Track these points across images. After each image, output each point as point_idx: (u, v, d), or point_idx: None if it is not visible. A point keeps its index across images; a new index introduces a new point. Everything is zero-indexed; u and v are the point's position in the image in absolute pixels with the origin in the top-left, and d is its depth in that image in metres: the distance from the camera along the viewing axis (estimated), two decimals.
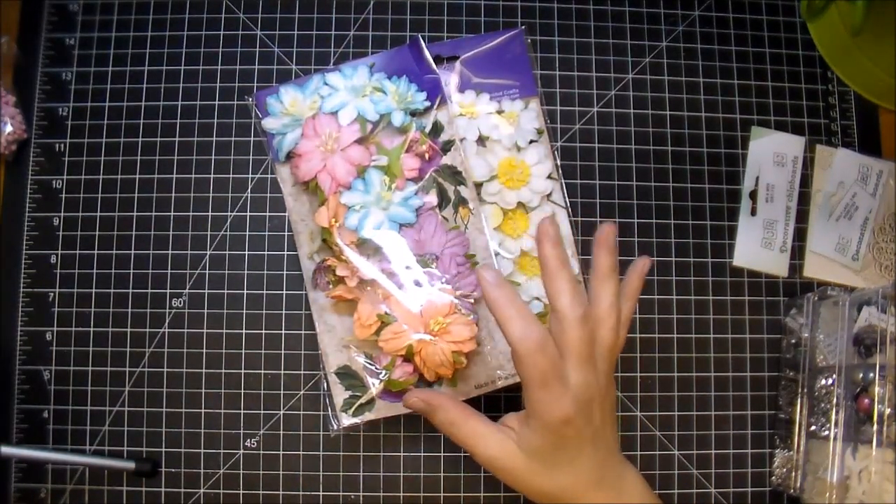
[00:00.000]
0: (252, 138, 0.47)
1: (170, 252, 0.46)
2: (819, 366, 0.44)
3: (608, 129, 0.48)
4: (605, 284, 0.36)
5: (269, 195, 0.47)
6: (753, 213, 0.48)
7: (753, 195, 0.48)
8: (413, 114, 0.43)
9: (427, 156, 0.43)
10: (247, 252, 0.46)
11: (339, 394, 0.42)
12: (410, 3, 0.49)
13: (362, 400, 0.42)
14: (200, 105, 0.47)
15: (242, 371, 0.45)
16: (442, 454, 0.45)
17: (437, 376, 0.41)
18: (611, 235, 0.36)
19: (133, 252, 0.46)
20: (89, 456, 0.44)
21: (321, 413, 0.45)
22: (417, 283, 0.41)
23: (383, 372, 0.41)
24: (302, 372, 0.45)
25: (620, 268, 0.37)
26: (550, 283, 0.34)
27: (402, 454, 0.45)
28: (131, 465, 0.43)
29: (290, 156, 0.43)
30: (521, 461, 0.35)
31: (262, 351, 0.45)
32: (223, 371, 0.45)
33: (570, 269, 0.35)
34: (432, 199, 0.42)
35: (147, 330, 0.45)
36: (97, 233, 0.46)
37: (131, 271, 0.46)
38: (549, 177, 0.45)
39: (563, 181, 0.46)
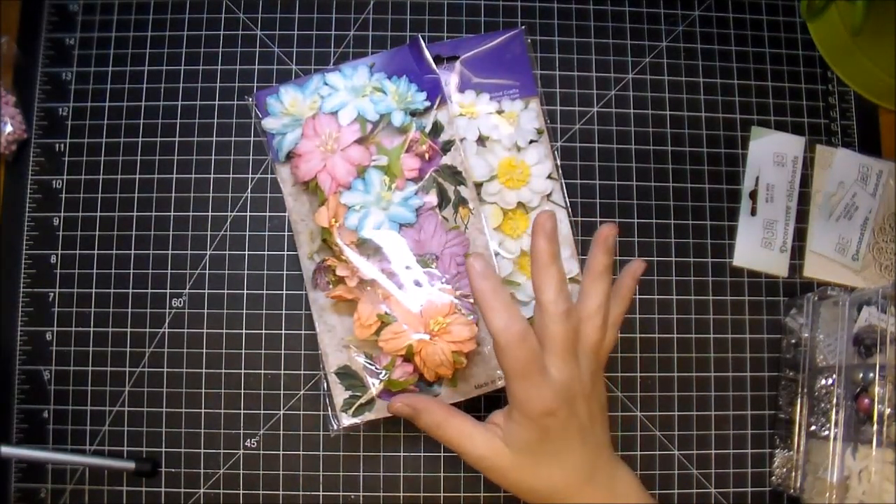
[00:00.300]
0: (252, 138, 0.47)
1: (170, 252, 0.46)
2: (819, 366, 0.44)
3: (608, 129, 0.48)
4: (596, 283, 0.36)
5: (269, 195, 0.47)
6: (753, 213, 0.48)
7: (753, 195, 0.48)
8: (413, 114, 0.43)
9: (427, 156, 0.43)
10: (247, 252, 0.46)
11: (339, 394, 0.42)
12: (410, 3, 0.49)
13: (362, 400, 0.42)
14: (200, 105, 0.47)
15: (242, 371, 0.45)
16: (442, 454, 0.45)
17: (437, 376, 0.41)
18: (610, 236, 0.36)
19: (133, 252, 0.46)
20: (89, 456, 0.44)
21: (321, 413, 0.45)
22: (417, 283, 0.41)
23: (383, 372, 0.41)
24: (302, 372, 0.45)
25: (619, 268, 0.37)
26: (538, 277, 0.35)
27: (402, 454, 0.45)
28: (131, 465, 0.43)
29: (290, 156, 0.43)
30: (508, 458, 0.35)
31: (262, 351, 0.45)
32: (223, 371, 0.45)
33: (560, 266, 0.35)
34: (432, 199, 0.42)
35: (147, 330, 0.45)
36: (97, 233, 0.46)
37: (131, 271, 0.46)
38: (549, 177, 0.45)
39: (563, 181, 0.46)
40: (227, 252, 0.46)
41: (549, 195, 0.45)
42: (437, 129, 0.44)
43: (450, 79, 0.46)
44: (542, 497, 0.35)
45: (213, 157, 0.47)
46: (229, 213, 0.47)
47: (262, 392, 0.45)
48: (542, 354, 0.34)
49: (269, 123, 0.43)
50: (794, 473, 0.44)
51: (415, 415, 0.37)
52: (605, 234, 0.36)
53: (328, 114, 0.42)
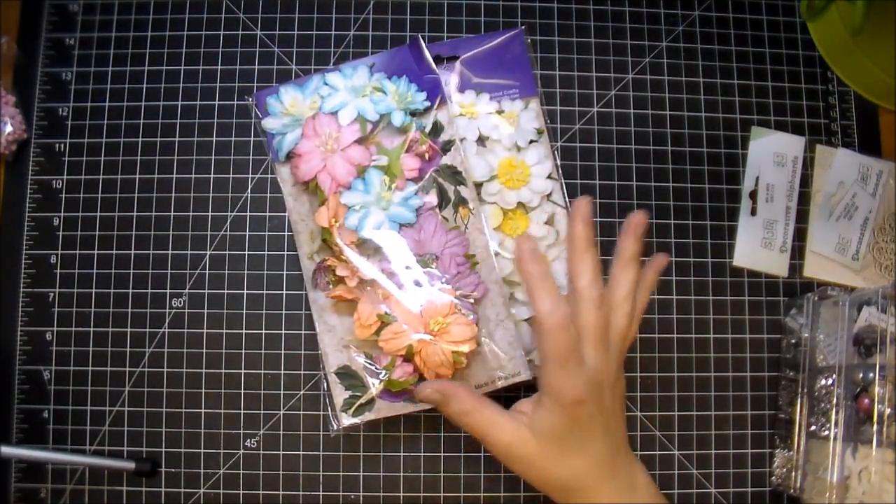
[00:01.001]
0: (252, 138, 0.47)
1: (170, 252, 0.46)
2: (819, 366, 0.44)
3: (608, 129, 0.48)
4: (626, 271, 0.36)
5: (269, 195, 0.47)
6: (753, 213, 0.48)
7: (753, 195, 0.48)
8: (413, 114, 0.43)
9: (427, 156, 0.43)
10: (247, 252, 0.46)
11: (339, 394, 0.42)
12: (410, 3, 0.49)
13: (362, 400, 0.42)
14: (200, 105, 0.47)
15: (242, 371, 0.45)
16: (442, 454, 0.45)
17: (437, 376, 0.41)
18: (641, 224, 0.37)
19: (133, 252, 0.46)
20: (89, 456, 0.44)
21: (321, 413, 0.45)
22: (417, 283, 0.41)
23: (383, 372, 0.41)
24: (302, 372, 0.45)
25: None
26: (574, 262, 0.35)
27: (402, 454, 0.45)
28: (131, 465, 0.43)
29: (290, 156, 0.43)
30: (534, 447, 0.35)
31: (262, 351, 0.45)
32: (223, 371, 0.45)
33: (595, 252, 0.35)
34: (432, 199, 0.42)
35: (147, 330, 0.45)
36: (97, 233, 0.46)
37: (131, 271, 0.46)
38: (549, 177, 0.45)
39: (563, 181, 0.46)
40: (227, 252, 0.46)
41: (549, 195, 0.45)
42: (437, 129, 0.44)
43: (450, 79, 0.46)
44: (564, 488, 0.35)
45: (213, 157, 0.47)
46: (229, 213, 0.47)
47: (262, 392, 0.45)
48: (579, 342, 0.34)
49: (269, 123, 0.43)
50: (794, 473, 0.44)
51: (444, 401, 0.37)
52: (637, 221, 0.36)
53: (328, 114, 0.42)
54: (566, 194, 0.46)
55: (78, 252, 0.46)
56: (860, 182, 0.48)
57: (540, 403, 0.35)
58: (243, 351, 0.45)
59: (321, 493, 0.45)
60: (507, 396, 0.45)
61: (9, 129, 0.45)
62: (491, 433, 0.35)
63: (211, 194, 0.47)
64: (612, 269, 0.37)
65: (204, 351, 0.45)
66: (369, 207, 0.41)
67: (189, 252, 0.46)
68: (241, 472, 0.45)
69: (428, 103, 0.43)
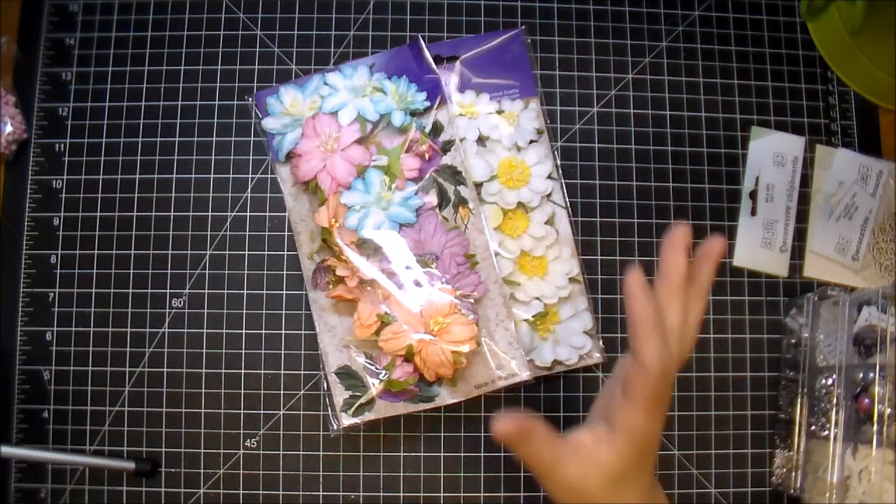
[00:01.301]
0: (252, 138, 0.47)
1: (170, 252, 0.46)
2: (819, 366, 0.44)
3: (608, 129, 0.48)
4: (700, 300, 0.35)
5: (269, 195, 0.47)
6: (753, 213, 0.48)
7: (753, 195, 0.48)
8: (413, 114, 0.43)
9: (427, 156, 0.43)
10: (247, 252, 0.46)
11: (339, 394, 0.42)
12: (410, 3, 0.49)
13: (362, 400, 0.42)
14: (200, 105, 0.47)
15: (242, 371, 0.45)
16: (442, 454, 0.45)
17: (437, 376, 0.41)
18: (721, 248, 0.35)
19: (133, 252, 0.46)
20: (89, 456, 0.44)
21: (321, 413, 0.45)
22: (417, 283, 0.41)
23: (383, 372, 0.41)
24: (302, 372, 0.45)
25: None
26: (668, 297, 0.34)
27: (402, 454, 0.45)
28: (131, 465, 0.43)
29: (290, 156, 0.43)
30: (595, 484, 0.33)
31: (262, 351, 0.45)
32: (223, 371, 0.45)
33: (684, 288, 0.34)
34: (432, 199, 0.42)
35: (147, 330, 0.45)
36: (97, 233, 0.46)
37: (131, 271, 0.46)
38: (549, 177, 0.45)
39: (563, 181, 0.46)
40: (227, 252, 0.46)
41: (549, 195, 0.45)
42: (437, 129, 0.44)
43: (450, 79, 0.46)
44: None
45: (213, 157, 0.47)
46: (229, 213, 0.47)
47: (262, 392, 0.45)
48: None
49: (269, 123, 0.43)
50: (794, 473, 0.44)
51: (522, 439, 0.33)
52: (717, 246, 0.35)
53: (328, 114, 0.42)
54: (566, 194, 0.46)
55: (78, 252, 0.46)
56: (860, 182, 0.48)
57: (611, 443, 0.33)
58: (243, 351, 0.45)
59: (321, 493, 0.45)
60: (507, 396, 0.45)
61: (9, 129, 0.45)
62: (556, 472, 0.33)
63: (211, 194, 0.47)
64: (690, 294, 0.35)
65: (204, 351, 0.45)
66: (369, 207, 0.41)
67: (189, 252, 0.46)
68: (241, 472, 0.45)
69: (428, 103, 0.43)
